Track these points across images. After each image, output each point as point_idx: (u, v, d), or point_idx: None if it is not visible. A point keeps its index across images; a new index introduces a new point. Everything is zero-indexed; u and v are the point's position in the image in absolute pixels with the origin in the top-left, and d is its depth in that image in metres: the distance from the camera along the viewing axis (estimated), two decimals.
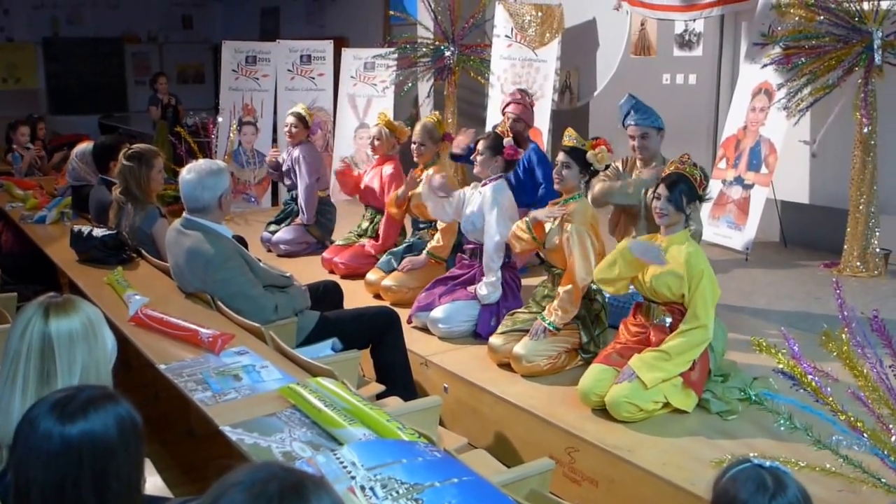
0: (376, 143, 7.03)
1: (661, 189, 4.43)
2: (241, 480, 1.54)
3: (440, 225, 6.29)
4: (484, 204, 5.54)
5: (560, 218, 5.02)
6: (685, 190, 4.38)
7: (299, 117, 7.63)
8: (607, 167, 5.12)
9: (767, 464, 2.01)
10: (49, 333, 2.39)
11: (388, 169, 6.98)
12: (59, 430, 1.92)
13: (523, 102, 6.83)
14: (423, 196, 5.95)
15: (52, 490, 1.92)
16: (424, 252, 6.36)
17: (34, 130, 10.78)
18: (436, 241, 6.35)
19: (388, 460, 2.64)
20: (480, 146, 5.60)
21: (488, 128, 8.59)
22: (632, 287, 4.90)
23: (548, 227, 5.08)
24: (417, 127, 6.64)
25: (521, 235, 5.17)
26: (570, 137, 5.06)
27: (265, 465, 1.62)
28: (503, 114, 6.77)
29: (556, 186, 5.11)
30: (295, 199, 7.82)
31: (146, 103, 14.09)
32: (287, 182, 7.90)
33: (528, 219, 5.14)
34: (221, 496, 1.53)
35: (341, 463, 2.62)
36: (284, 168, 7.79)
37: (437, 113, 6.97)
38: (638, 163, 5.62)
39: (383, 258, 6.59)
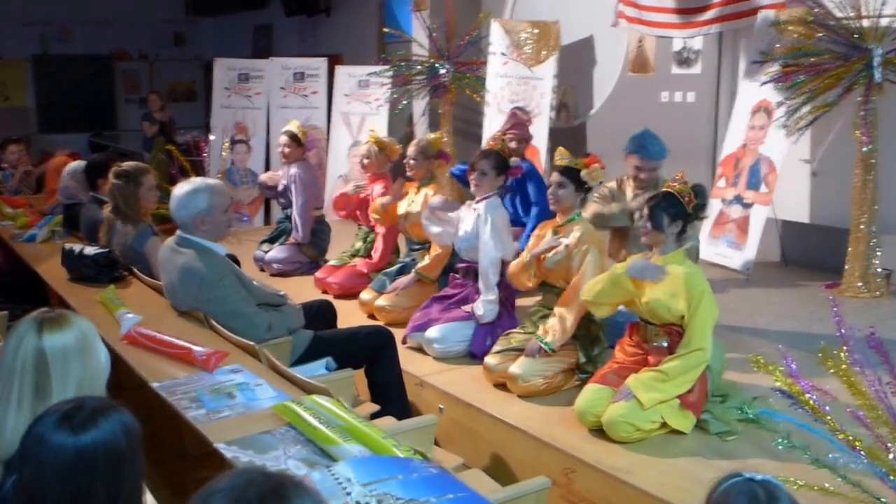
0: (366, 161, 6.97)
1: (645, 209, 4.45)
2: (221, 489, 1.56)
3: (434, 247, 6.23)
4: (479, 221, 5.48)
5: (560, 232, 5.00)
6: (667, 208, 4.36)
7: (292, 136, 7.57)
8: (601, 183, 5.08)
9: (759, 477, 2.00)
10: (43, 348, 2.43)
11: (378, 188, 6.90)
12: (73, 441, 1.98)
13: (521, 122, 6.78)
14: (425, 221, 5.88)
15: (67, 501, 1.98)
16: (413, 271, 6.29)
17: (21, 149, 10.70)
18: (426, 261, 6.29)
19: (383, 476, 2.66)
20: (484, 166, 5.52)
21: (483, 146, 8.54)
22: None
23: (551, 254, 5.02)
24: (412, 143, 6.57)
25: (526, 281, 5.17)
26: (561, 157, 5.06)
27: (244, 471, 1.63)
28: (503, 135, 6.71)
29: (552, 207, 5.09)
30: (289, 218, 7.74)
31: (137, 121, 14.07)
32: (282, 201, 7.82)
33: (527, 259, 5.09)
34: None
35: (337, 479, 2.62)
36: (280, 188, 7.71)
37: (438, 133, 6.92)
38: (632, 181, 5.63)
39: (377, 278, 6.53)
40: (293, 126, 7.69)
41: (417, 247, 6.55)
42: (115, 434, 2.02)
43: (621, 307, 5.35)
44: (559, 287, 5.02)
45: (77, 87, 17.28)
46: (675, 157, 6.00)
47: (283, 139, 7.61)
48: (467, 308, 5.50)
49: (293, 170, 7.56)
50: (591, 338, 4.97)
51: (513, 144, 6.53)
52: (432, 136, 6.62)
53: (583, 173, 4.91)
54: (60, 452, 1.97)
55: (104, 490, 1.99)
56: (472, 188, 5.58)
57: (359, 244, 7.19)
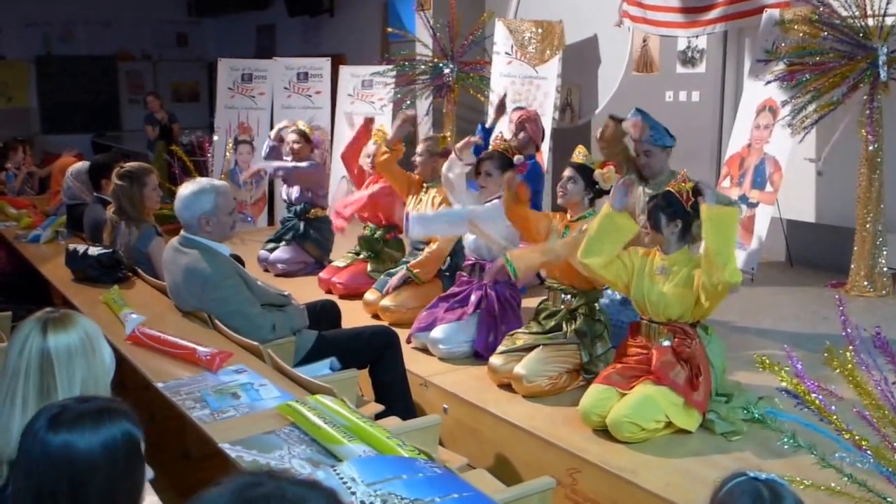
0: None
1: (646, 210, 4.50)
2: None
3: (430, 247, 6.23)
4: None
5: (572, 228, 4.98)
6: (664, 208, 4.38)
7: (301, 133, 7.57)
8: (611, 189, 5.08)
9: (763, 476, 2.00)
10: (47, 349, 2.41)
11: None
12: (43, 437, 1.94)
13: (536, 119, 6.78)
14: (446, 181, 5.84)
15: (30, 496, 1.94)
16: (404, 268, 6.27)
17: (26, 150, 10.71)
18: (419, 259, 6.26)
19: (388, 476, 2.64)
20: (489, 166, 5.52)
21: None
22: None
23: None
24: (420, 141, 6.57)
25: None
26: (579, 154, 5.07)
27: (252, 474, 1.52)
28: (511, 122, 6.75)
29: (559, 200, 5.09)
30: (296, 215, 7.73)
31: (140, 122, 14.06)
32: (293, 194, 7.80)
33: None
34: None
35: (341, 479, 2.61)
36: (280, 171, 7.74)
37: (448, 133, 6.93)
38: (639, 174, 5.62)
39: (380, 279, 6.51)
40: (300, 124, 7.69)
41: (420, 246, 6.51)
42: (90, 444, 1.93)
43: (624, 307, 5.35)
44: (565, 286, 5.01)
45: (80, 87, 17.28)
46: (680, 156, 5.99)
47: (293, 136, 7.59)
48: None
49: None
50: (596, 337, 4.96)
51: (519, 133, 6.56)
52: (439, 135, 6.63)
53: (596, 174, 4.91)
54: (31, 444, 1.95)
55: (68, 498, 1.93)
56: (479, 189, 5.59)
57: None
